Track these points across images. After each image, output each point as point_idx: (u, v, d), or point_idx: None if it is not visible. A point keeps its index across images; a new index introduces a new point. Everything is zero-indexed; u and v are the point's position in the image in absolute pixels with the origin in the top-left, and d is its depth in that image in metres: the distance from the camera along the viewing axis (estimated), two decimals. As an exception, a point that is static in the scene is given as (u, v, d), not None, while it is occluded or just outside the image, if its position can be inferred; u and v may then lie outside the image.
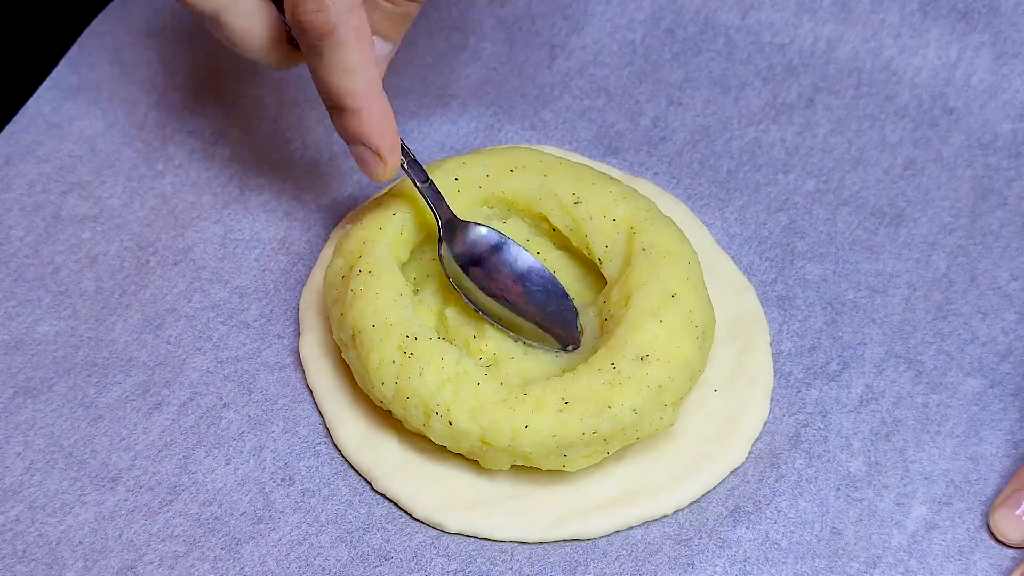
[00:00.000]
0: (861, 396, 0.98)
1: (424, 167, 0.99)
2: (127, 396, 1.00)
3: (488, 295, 0.97)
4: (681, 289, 0.94)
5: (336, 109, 0.94)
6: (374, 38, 0.94)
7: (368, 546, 0.93)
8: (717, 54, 1.17)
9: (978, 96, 1.13)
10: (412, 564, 0.92)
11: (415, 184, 0.97)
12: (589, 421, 0.90)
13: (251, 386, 1.00)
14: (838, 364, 1.00)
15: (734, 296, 1.02)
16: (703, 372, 0.95)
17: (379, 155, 0.94)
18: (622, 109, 1.14)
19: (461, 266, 0.97)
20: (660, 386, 0.91)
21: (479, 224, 0.98)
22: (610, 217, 0.97)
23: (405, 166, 0.97)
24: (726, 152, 1.12)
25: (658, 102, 1.15)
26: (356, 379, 0.96)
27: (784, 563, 0.92)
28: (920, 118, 1.13)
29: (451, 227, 0.97)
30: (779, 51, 1.17)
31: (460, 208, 0.99)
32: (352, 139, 0.95)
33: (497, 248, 0.98)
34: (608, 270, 0.97)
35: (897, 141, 1.12)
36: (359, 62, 0.92)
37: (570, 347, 0.96)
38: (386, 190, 1.03)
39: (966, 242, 1.06)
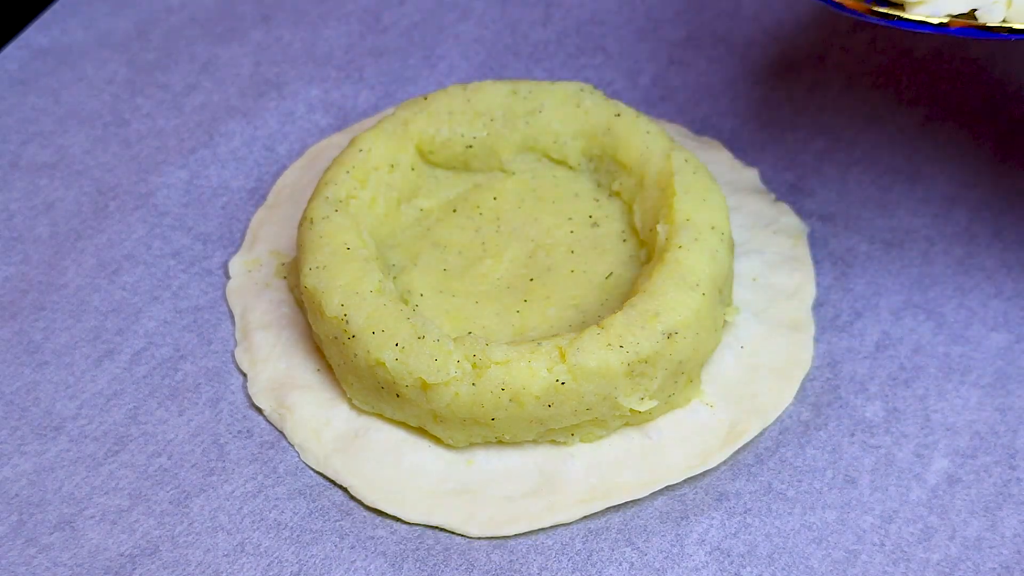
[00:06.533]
0: (877, 343, 0.89)
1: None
2: (76, 342, 0.91)
3: None
4: (718, 221, 0.87)
5: None
6: None
7: (329, 500, 0.83)
8: (722, 12, 1.09)
9: (1003, 43, 1.04)
10: (376, 518, 0.83)
11: None
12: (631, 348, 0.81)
13: (212, 336, 0.91)
14: (850, 315, 0.91)
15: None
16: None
17: None
18: (620, 68, 1.06)
19: None
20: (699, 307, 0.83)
21: None
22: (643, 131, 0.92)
23: None
24: (731, 111, 1.03)
25: (659, 61, 1.07)
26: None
27: (791, 514, 0.81)
28: (938, 72, 1.04)
29: None
30: (788, 6, 1.09)
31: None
32: None
33: None
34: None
35: (913, 97, 1.03)
36: None
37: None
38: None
39: (989, 196, 0.96)
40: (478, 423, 0.82)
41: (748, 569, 0.79)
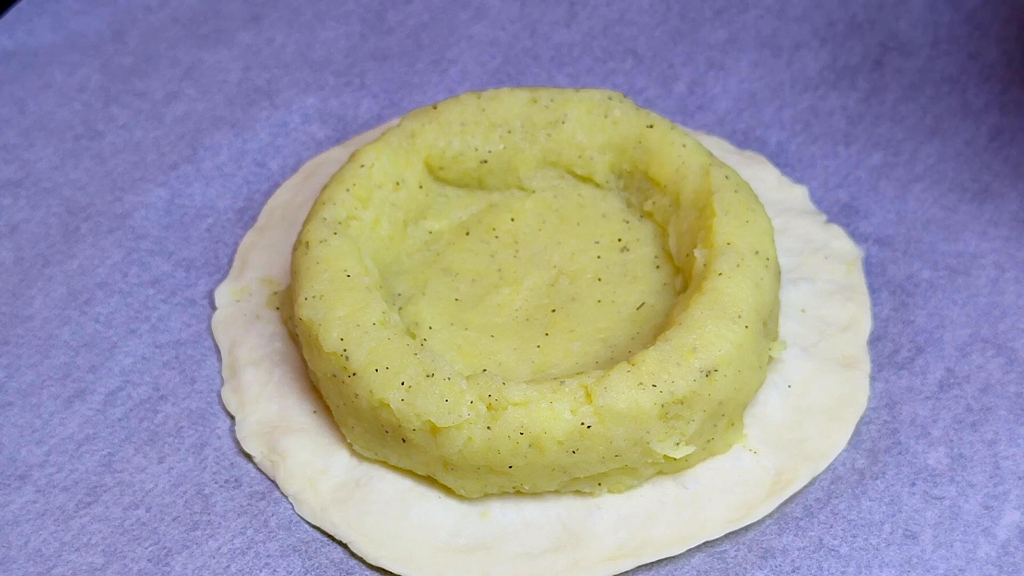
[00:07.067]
0: (941, 381, 0.90)
1: None
2: (43, 381, 0.92)
3: None
4: (763, 245, 0.88)
5: None
6: None
7: (327, 558, 0.85)
8: (767, 11, 1.11)
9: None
10: (379, 578, 0.85)
11: None
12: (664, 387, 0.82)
13: (195, 374, 0.93)
14: (910, 350, 0.92)
15: (786, 285, 0.96)
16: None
17: None
18: (653, 73, 1.08)
19: None
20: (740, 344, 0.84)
21: None
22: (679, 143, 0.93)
23: None
24: (776, 122, 1.05)
25: (696, 66, 1.09)
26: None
27: (844, 573, 0.83)
28: (1010, 78, 1.06)
29: None
30: (841, 5, 1.11)
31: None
32: None
33: None
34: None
35: (982, 106, 1.05)
36: None
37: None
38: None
39: (1067, 218, 0.98)
40: (494, 471, 0.84)
41: (796, 635, 0.81)
